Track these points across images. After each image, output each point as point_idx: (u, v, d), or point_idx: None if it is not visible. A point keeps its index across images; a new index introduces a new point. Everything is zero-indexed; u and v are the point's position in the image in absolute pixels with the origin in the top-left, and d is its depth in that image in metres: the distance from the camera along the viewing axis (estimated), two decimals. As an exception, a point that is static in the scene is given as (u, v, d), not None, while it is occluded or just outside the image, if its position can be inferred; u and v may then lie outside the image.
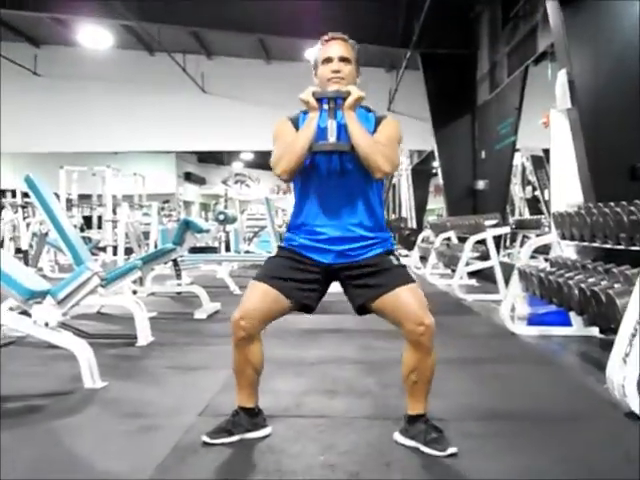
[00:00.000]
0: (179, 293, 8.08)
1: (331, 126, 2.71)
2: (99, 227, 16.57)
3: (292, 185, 2.91)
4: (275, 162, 2.73)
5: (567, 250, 5.70)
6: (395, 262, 2.82)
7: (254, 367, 2.80)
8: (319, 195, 2.79)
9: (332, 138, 2.72)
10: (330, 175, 2.77)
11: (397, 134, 2.84)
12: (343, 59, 2.79)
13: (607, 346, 3.75)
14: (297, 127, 2.82)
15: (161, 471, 2.56)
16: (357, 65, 2.86)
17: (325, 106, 2.73)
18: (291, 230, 2.90)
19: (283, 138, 2.79)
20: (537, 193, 15.87)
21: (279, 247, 2.96)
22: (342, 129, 2.73)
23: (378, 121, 2.84)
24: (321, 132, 2.73)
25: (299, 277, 2.79)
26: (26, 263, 10.35)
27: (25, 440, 2.93)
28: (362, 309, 2.83)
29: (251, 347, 2.75)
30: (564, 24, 5.76)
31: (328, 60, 2.80)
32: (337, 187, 2.77)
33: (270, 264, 2.90)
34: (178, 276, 7.66)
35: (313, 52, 2.90)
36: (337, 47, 2.81)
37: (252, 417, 2.90)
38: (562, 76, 5.77)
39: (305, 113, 2.81)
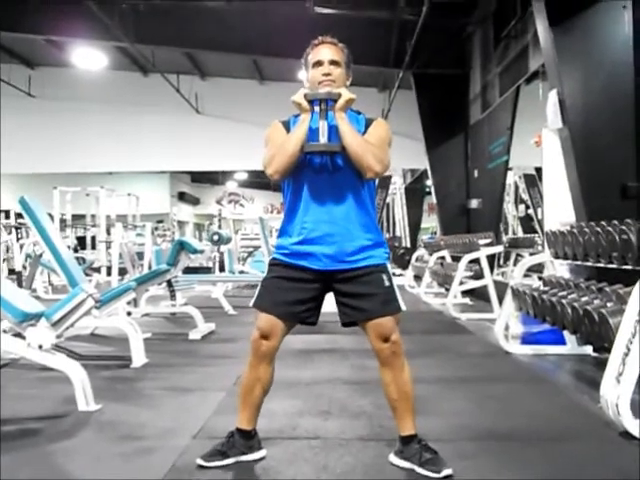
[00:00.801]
0: (173, 314, 8.07)
1: (322, 127, 2.75)
2: (93, 247, 16.58)
3: (283, 187, 2.91)
4: (267, 162, 2.76)
5: (560, 269, 5.72)
6: (386, 284, 2.82)
7: (263, 387, 2.84)
8: (311, 195, 2.80)
9: (323, 139, 2.75)
10: (322, 175, 2.79)
11: (387, 135, 2.88)
12: (333, 62, 2.84)
13: (601, 365, 3.77)
14: (289, 130, 2.85)
15: (156, 494, 2.56)
16: (347, 68, 2.91)
17: (316, 108, 2.76)
18: (282, 234, 2.90)
19: (275, 139, 2.83)
20: (530, 211, 15.94)
21: (271, 262, 2.94)
22: (333, 130, 2.77)
23: (368, 123, 2.89)
24: (313, 133, 2.77)
25: (298, 297, 2.80)
26: (19, 284, 10.32)
27: (21, 464, 2.92)
28: (347, 325, 2.89)
29: (265, 366, 2.81)
30: (554, 44, 5.81)
31: (319, 63, 2.84)
32: (329, 187, 2.79)
33: (267, 287, 2.89)
34: (172, 297, 7.65)
35: (303, 57, 2.94)
36: (327, 50, 2.86)
37: (248, 440, 2.89)
38: (553, 96, 5.82)
39: (296, 117, 2.86)
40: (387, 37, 12.54)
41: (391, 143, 2.88)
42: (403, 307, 2.83)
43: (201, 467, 2.80)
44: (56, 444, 3.21)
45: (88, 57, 15.05)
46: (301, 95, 2.77)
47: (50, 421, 3.60)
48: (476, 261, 8.79)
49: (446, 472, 2.68)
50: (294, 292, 2.81)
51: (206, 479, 2.71)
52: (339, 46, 2.90)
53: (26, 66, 17.26)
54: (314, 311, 2.86)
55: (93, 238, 16.79)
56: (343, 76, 2.87)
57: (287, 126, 2.89)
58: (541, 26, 6.13)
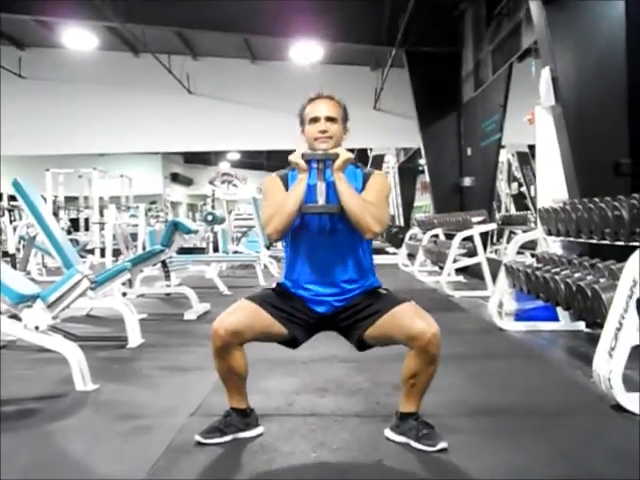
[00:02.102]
0: (168, 294, 8.08)
1: (320, 188, 2.75)
2: (86, 229, 16.54)
3: (283, 239, 2.93)
4: (266, 222, 2.78)
5: (553, 246, 5.75)
6: (383, 292, 2.89)
7: (237, 374, 2.82)
8: (309, 253, 2.84)
9: (321, 200, 2.75)
10: (320, 234, 2.82)
11: (386, 190, 2.91)
12: (330, 119, 2.83)
13: (593, 340, 3.80)
14: (286, 185, 2.86)
15: (155, 471, 2.59)
16: (344, 123, 2.90)
17: (314, 165, 2.77)
18: (285, 280, 2.94)
19: (273, 197, 2.83)
20: (523, 189, 15.98)
21: (278, 284, 2.98)
22: (331, 189, 2.76)
23: (366, 177, 2.89)
24: (310, 190, 2.77)
25: (292, 312, 2.84)
26: (13, 267, 10.30)
27: (19, 444, 2.94)
28: (362, 344, 2.88)
29: (231, 356, 2.76)
30: (547, 22, 5.80)
31: (315, 120, 2.82)
32: (327, 246, 2.83)
33: (267, 292, 2.95)
34: (167, 277, 7.67)
35: (299, 109, 2.92)
36: (324, 106, 2.84)
37: (244, 417, 2.92)
38: (546, 73, 5.82)
39: (294, 170, 2.85)
40: (379, 15, 12.50)
41: (389, 195, 2.90)
42: (411, 301, 2.85)
43: (199, 444, 2.83)
44: (54, 424, 3.23)
45: (78, 38, 14.95)
46: (298, 155, 2.76)
47: (48, 401, 3.62)
48: (469, 239, 8.82)
49: (441, 445, 2.71)
50: (289, 306, 2.85)
51: (204, 456, 2.74)
52: (335, 100, 2.89)
53: (16, 47, 17.12)
54: (299, 327, 2.87)
55: (86, 220, 16.73)
56: (340, 132, 2.86)
57: (285, 180, 2.89)
58: (534, 3, 6.11)
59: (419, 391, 2.80)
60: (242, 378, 2.85)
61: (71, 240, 9.62)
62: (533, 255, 5.90)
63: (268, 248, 11.72)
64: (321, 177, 2.75)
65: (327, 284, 2.83)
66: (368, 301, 2.83)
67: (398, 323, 2.71)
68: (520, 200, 16.16)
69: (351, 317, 2.84)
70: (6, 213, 13.26)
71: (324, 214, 2.80)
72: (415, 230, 13.74)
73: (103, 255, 11.02)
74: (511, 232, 12.32)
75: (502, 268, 5.79)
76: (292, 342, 2.91)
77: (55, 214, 13.82)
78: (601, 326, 3.52)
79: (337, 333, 2.97)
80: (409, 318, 2.70)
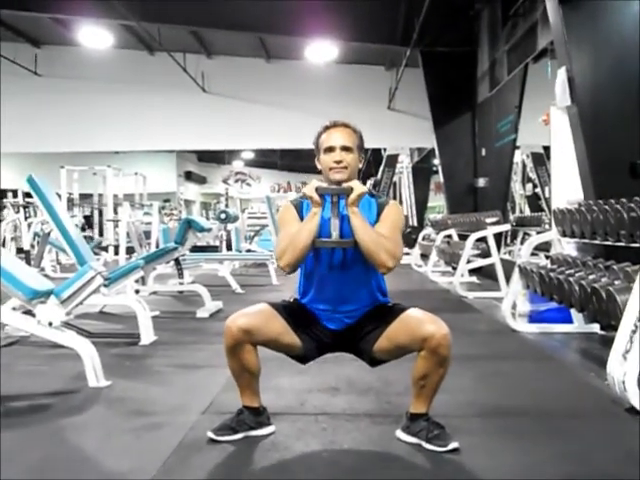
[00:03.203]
0: (181, 292, 8.10)
1: (334, 223, 2.73)
2: (100, 232, 16.61)
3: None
4: (279, 255, 2.76)
5: (568, 247, 5.72)
6: (389, 305, 2.91)
7: (250, 371, 2.82)
8: (322, 284, 2.86)
9: (335, 234, 2.74)
10: (333, 266, 2.83)
11: (400, 221, 2.88)
12: (345, 148, 2.80)
13: (608, 342, 3.77)
14: (300, 213, 2.87)
15: (166, 468, 2.59)
16: (360, 151, 2.88)
17: (328, 198, 2.75)
18: (300, 299, 2.97)
19: (287, 228, 2.83)
20: (537, 190, 15.88)
21: (295, 299, 2.99)
22: (345, 221, 2.75)
23: (380, 207, 2.87)
24: (325, 224, 2.76)
25: (307, 324, 2.86)
26: (28, 263, 10.36)
27: (32, 439, 2.96)
28: (374, 358, 2.89)
29: (244, 353, 2.76)
30: (563, 22, 5.76)
31: (330, 149, 2.81)
32: (340, 279, 2.83)
33: (286, 302, 2.96)
34: (180, 275, 7.69)
35: (315, 137, 2.91)
36: (339, 135, 2.82)
37: (256, 415, 2.93)
38: (562, 74, 5.78)
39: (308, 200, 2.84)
40: (395, 15, 12.47)
41: (403, 225, 2.90)
42: None
43: (212, 440, 2.84)
44: (67, 419, 3.25)
45: (94, 36, 15.01)
46: (312, 188, 2.73)
47: (60, 397, 3.64)
48: (483, 240, 8.79)
49: (453, 445, 2.71)
50: (306, 319, 2.87)
51: (215, 454, 2.74)
52: (351, 128, 2.87)
53: (32, 45, 17.21)
54: (312, 341, 2.88)
55: (100, 217, 16.81)
56: (355, 161, 2.84)
57: (299, 209, 2.89)
58: (550, 3, 6.07)
59: (429, 392, 2.79)
60: (254, 376, 2.85)
61: (85, 237, 9.66)
62: (547, 256, 5.86)
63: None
64: (335, 211, 2.73)
65: (338, 311, 2.86)
66: (375, 314, 2.85)
67: (407, 328, 2.72)
68: (534, 201, 16.07)
69: (360, 330, 2.85)
70: (21, 210, 13.34)
71: (338, 247, 2.80)
72: (428, 230, 13.70)
73: (117, 252, 11.07)
74: (525, 233, 12.25)
75: (516, 269, 5.76)
76: (303, 356, 2.92)
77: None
78: (615, 328, 3.49)
79: (351, 354, 2.98)
80: (418, 321, 2.70)
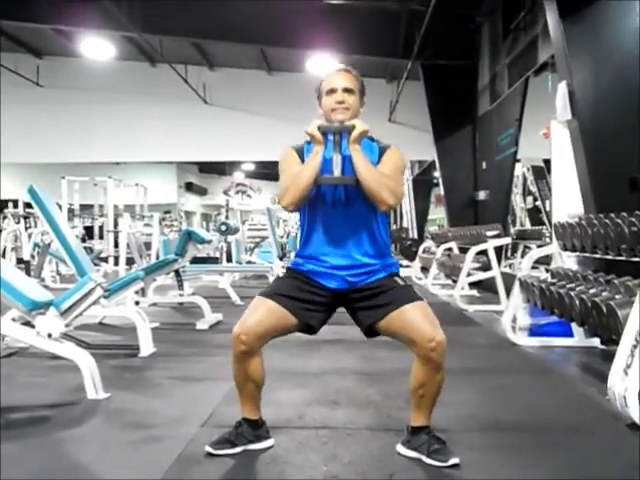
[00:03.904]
0: (181, 304, 8.09)
1: (336, 159, 2.75)
2: (100, 237, 16.61)
3: (299, 212, 2.92)
4: (281, 194, 2.78)
5: (568, 261, 5.71)
6: (400, 282, 2.85)
7: (254, 381, 2.81)
8: (325, 225, 2.83)
9: (337, 171, 2.75)
10: (335, 206, 2.81)
11: (401, 164, 2.88)
12: (347, 90, 2.82)
13: (608, 357, 3.76)
14: (302, 157, 2.86)
15: (165, 482, 2.58)
16: (361, 95, 2.90)
17: (330, 137, 2.77)
18: (298, 257, 2.93)
19: (289, 170, 2.83)
20: (538, 203, 15.88)
21: (287, 268, 2.98)
22: (347, 161, 2.76)
23: (382, 151, 2.88)
24: (326, 163, 2.77)
25: (306, 298, 2.81)
26: (28, 274, 10.35)
27: (30, 451, 2.94)
28: (370, 331, 2.85)
29: (251, 362, 2.75)
30: (564, 36, 5.79)
31: (332, 91, 2.83)
32: (342, 217, 2.81)
33: (278, 282, 2.94)
34: (180, 287, 7.68)
35: (317, 85, 2.93)
36: (341, 78, 2.84)
37: (255, 429, 2.91)
38: (562, 87, 5.80)
39: (309, 143, 2.84)
40: (396, 27, 12.51)
41: (405, 170, 2.89)
42: (423, 299, 2.82)
43: (210, 455, 2.82)
44: (65, 432, 3.23)
45: (96, 47, 15.04)
46: (314, 127, 2.75)
47: (59, 409, 3.63)
48: (484, 253, 8.79)
49: (453, 461, 2.69)
50: (302, 292, 2.82)
51: (214, 467, 2.72)
52: (353, 74, 2.89)
53: (34, 56, 17.26)
54: (315, 313, 2.84)
55: (101, 228, 16.80)
56: (357, 104, 2.86)
57: (301, 152, 2.89)
58: (551, 17, 6.10)
59: (428, 402, 2.78)
60: (258, 386, 2.84)
61: (85, 248, 9.66)
62: (548, 270, 5.86)
63: (281, 259, 11.73)
64: (337, 149, 2.75)
65: (342, 256, 2.81)
66: (384, 288, 2.80)
67: (404, 325, 2.70)
68: (535, 215, 16.07)
69: (365, 300, 2.81)
70: (21, 220, 13.33)
71: (339, 185, 2.79)
72: (429, 243, 13.70)
73: (117, 263, 11.06)
74: (526, 247, 12.25)
75: (516, 283, 5.75)
76: (308, 329, 2.88)
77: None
78: (616, 343, 3.48)
79: (348, 315, 2.93)
80: (416, 322, 2.68)
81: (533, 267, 6.24)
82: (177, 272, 7.51)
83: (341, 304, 2.90)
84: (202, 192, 33.48)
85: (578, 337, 5.51)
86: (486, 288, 9.77)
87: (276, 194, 2.81)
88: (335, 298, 2.85)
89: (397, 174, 2.82)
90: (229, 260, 13.14)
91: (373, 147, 2.89)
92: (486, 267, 8.89)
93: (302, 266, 2.88)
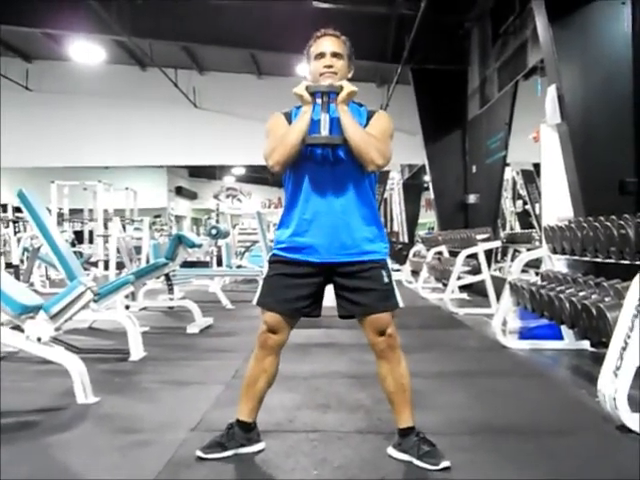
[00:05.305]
0: (171, 308, 8.06)
1: (324, 120, 2.74)
2: (90, 242, 16.55)
3: (284, 179, 2.89)
4: (268, 154, 2.75)
5: (558, 264, 5.73)
6: (385, 280, 2.83)
7: (267, 380, 2.85)
8: (311, 187, 2.79)
9: (325, 131, 2.74)
10: (323, 167, 2.78)
11: (389, 127, 2.87)
12: (335, 54, 2.83)
13: (598, 359, 3.78)
14: (290, 121, 2.84)
15: (155, 486, 2.56)
16: (349, 60, 2.90)
17: (318, 100, 2.75)
18: (281, 225, 2.89)
19: (276, 131, 2.81)
20: (528, 207, 15.97)
21: (271, 260, 2.95)
22: (335, 123, 2.76)
23: (370, 115, 2.88)
24: (314, 125, 2.76)
25: (300, 293, 2.81)
26: (17, 278, 10.31)
27: (19, 456, 2.92)
28: (345, 317, 2.89)
29: (271, 359, 2.83)
30: (553, 40, 5.82)
31: (321, 55, 2.83)
32: (330, 179, 2.78)
33: (269, 285, 2.91)
34: (170, 291, 7.65)
35: (305, 49, 2.93)
36: (329, 43, 2.85)
37: (247, 432, 2.90)
38: (552, 91, 5.83)
39: (298, 108, 2.84)
40: (386, 32, 12.54)
41: (393, 135, 2.88)
42: (401, 304, 2.84)
43: (200, 459, 2.81)
44: (54, 436, 3.21)
45: (86, 51, 15.02)
46: (303, 87, 2.75)
47: (48, 414, 3.61)
48: (474, 256, 8.80)
49: (444, 464, 2.69)
50: (296, 289, 2.81)
51: (204, 471, 2.71)
52: (341, 39, 2.89)
53: (23, 59, 17.22)
54: (316, 304, 2.87)
55: (91, 232, 16.75)
56: (345, 68, 2.86)
57: (289, 117, 2.88)
58: (540, 22, 6.13)
59: (402, 399, 2.81)
60: (269, 385, 2.88)
61: (75, 252, 9.62)
62: (537, 273, 5.87)
63: (272, 263, 11.69)
64: (325, 110, 2.74)
65: (327, 215, 2.76)
66: (369, 284, 2.78)
67: (371, 326, 2.78)
68: (525, 218, 16.16)
69: (345, 290, 2.81)
70: (10, 224, 13.28)
71: (327, 146, 2.77)
72: (419, 247, 13.72)
73: (107, 268, 11.02)
74: (515, 250, 12.28)
75: (506, 286, 5.76)
76: (311, 316, 2.89)
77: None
78: (606, 345, 3.49)
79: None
80: (379, 325, 2.77)
81: (523, 270, 6.25)
82: (167, 276, 7.49)
83: (328, 280, 2.86)
84: (192, 196, 33.41)
85: (568, 340, 5.53)
86: (476, 291, 9.78)
87: (263, 153, 2.76)
88: (322, 273, 2.82)
89: (385, 136, 2.80)
90: (219, 264, 13.12)
91: (361, 111, 2.89)
92: (476, 270, 8.91)
93: (283, 243, 2.85)
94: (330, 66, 2.80)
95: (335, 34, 2.90)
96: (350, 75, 2.90)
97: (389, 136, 2.84)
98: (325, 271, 2.81)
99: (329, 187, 2.77)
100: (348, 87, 2.73)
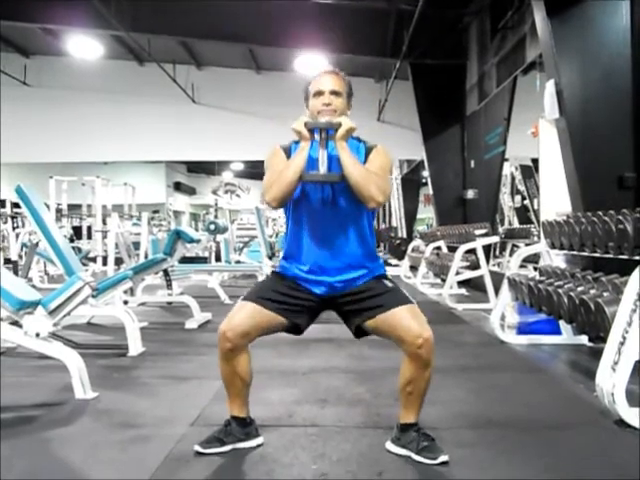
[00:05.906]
0: (170, 303, 8.07)
1: (322, 157, 2.73)
2: (89, 237, 16.56)
3: (285, 211, 2.90)
4: (265, 189, 2.75)
5: (556, 259, 5.73)
6: (389, 285, 2.84)
7: (242, 379, 2.80)
8: (311, 225, 2.81)
9: (323, 169, 2.73)
10: (321, 205, 2.79)
11: (388, 163, 2.87)
12: (334, 92, 2.81)
13: (596, 354, 3.78)
14: (289, 156, 2.83)
15: (153, 481, 2.57)
16: (348, 98, 2.89)
17: (317, 136, 2.74)
18: (285, 259, 2.91)
19: (274, 166, 2.81)
20: (526, 202, 15.95)
21: (273, 272, 2.97)
22: (333, 160, 2.75)
23: (368, 151, 2.87)
24: (312, 162, 2.75)
25: (291, 301, 2.80)
26: (15, 274, 10.30)
27: (18, 451, 2.92)
28: (359, 331, 2.85)
29: (238, 359, 2.75)
30: (552, 35, 5.81)
31: (319, 93, 2.82)
32: (328, 217, 2.79)
33: (262, 285, 2.94)
34: (169, 286, 7.66)
35: (304, 86, 2.91)
36: (329, 80, 2.83)
37: (244, 427, 2.90)
38: (550, 86, 5.82)
39: (297, 143, 2.82)
40: (384, 27, 12.50)
41: (392, 170, 2.88)
42: (413, 301, 2.81)
43: (199, 454, 2.81)
44: (53, 431, 3.21)
45: (84, 46, 14.96)
46: (301, 123, 2.74)
47: (47, 409, 3.61)
48: (472, 251, 8.80)
49: (442, 458, 2.69)
50: (287, 296, 2.81)
51: (203, 466, 2.72)
52: (340, 75, 2.88)
53: (21, 55, 17.18)
54: (301, 315, 2.83)
55: (89, 228, 16.75)
56: (344, 106, 2.85)
57: (288, 152, 2.87)
58: (539, 17, 6.12)
59: (417, 399, 2.78)
60: (246, 384, 2.84)
61: (73, 248, 9.62)
62: (536, 268, 5.88)
63: (270, 258, 11.71)
64: (323, 146, 2.73)
65: (327, 256, 2.78)
66: (373, 292, 2.79)
67: (393, 324, 2.69)
68: (523, 213, 16.13)
69: (354, 304, 2.80)
70: (9, 220, 13.27)
71: (326, 184, 2.76)
72: (418, 242, 13.72)
73: (105, 263, 11.02)
74: (514, 245, 12.29)
75: (505, 281, 5.77)
76: (294, 329, 2.87)
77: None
78: (604, 340, 3.50)
79: (337, 315, 2.92)
80: (405, 320, 2.67)
81: (521, 265, 6.26)
82: (166, 271, 7.49)
83: (328, 307, 2.89)
84: (191, 191, 33.44)
85: (566, 335, 5.54)
86: (475, 287, 9.79)
87: (262, 188, 2.77)
88: (322, 302, 2.85)
89: (384, 172, 2.79)
90: (218, 259, 13.12)
91: (360, 147, 2.88)
92: (475, 266, 8.91)
93: (288, 270, 2.87)
94: (329, 104, 2.79)
95: (334, 71, 2.89)
96: (349, 112, 2.89)
97: (388, 171, 2.85)
98: (326, 301, 2.83)
99: (329, 227, 2.79)
100: (347, 123, 2.72)
